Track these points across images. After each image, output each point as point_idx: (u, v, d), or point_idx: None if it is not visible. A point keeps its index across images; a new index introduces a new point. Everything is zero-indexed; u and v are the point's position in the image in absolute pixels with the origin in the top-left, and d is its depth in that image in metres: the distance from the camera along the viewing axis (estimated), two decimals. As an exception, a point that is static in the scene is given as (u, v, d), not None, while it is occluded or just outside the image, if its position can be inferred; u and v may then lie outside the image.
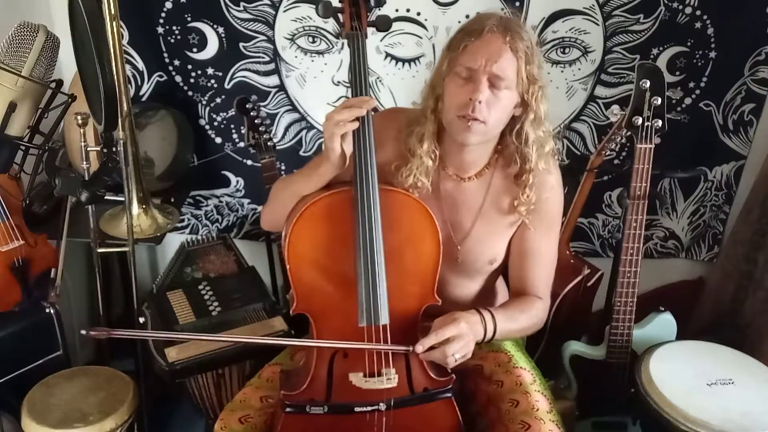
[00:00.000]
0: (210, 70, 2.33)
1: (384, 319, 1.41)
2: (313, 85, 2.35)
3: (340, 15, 1.47)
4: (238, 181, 2.51)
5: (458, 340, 1.41)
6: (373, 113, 1.43)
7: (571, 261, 2.28)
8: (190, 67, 2.32)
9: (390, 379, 1.47)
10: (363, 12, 1.45)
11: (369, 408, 1.47)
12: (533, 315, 1.59)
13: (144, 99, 2.37)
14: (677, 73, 2.28)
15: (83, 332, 1.31)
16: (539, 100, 1.47)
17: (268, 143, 2.21)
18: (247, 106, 2.19)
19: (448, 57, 1.47)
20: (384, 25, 1.50)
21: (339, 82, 2.35)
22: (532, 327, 1.61)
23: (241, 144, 2.42)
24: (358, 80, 1.41)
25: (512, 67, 1.42)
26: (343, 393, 1.48)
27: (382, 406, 1.48)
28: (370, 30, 1.46)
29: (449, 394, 1.52)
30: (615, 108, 1.96)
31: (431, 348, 1.41)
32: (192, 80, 2.34)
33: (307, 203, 1.44)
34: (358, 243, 1.39)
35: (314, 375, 1.47)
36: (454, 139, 1.51)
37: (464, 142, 1.49)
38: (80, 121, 1.79)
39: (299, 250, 1.45)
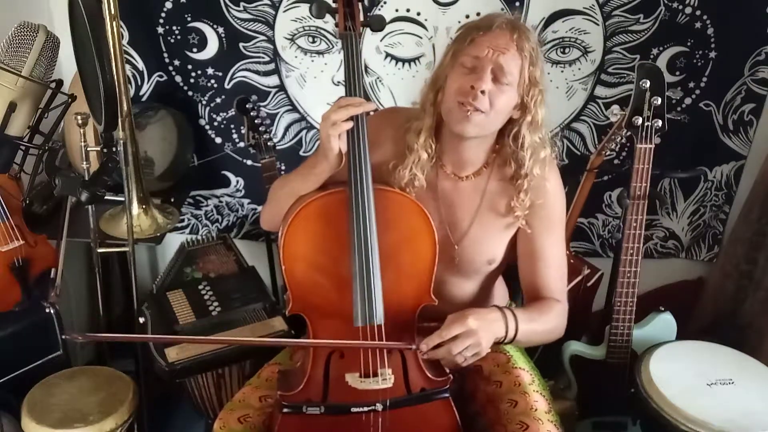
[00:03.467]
0: (210, 70, 2.33)
1: (379, 319, 1.42)
2: (313, 85, 2.35)
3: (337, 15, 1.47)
4: (238, 181, 2.52)
5: (465, 338, 1.38)
6: (371, 113, 1.43)
7: (571, 261, 2.26)
8: (190, 67, 2.32)
9: (386, 380, 1.46)
10: (356, 12, 1.44)
11: (365, 408, 1.47)
12: (553, 317, 1.56)
13: (144, 99, 2.37)
14: (677, 73, 2.28)
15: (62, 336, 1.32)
16: (538, 104, 1.47)
17: (268, 143, 2.21)
18: (247, 106, 2.19)
19: (453, 49, 1.48)
20: (378, 25, 1.50)
21: (339, 82, 2.35)
22: (554, 330, 1.57)
23: (241, 144, 2.42)
24: (352, 80, 1.42)
25: (516, 64, 1.43)
26: (340, 393, 1.48)
27: (379, 407, 1.47)
28: (367, 30, 1.46)
29: (446, 395, 1.52)
30: (615, 108, 1.96)
31: (438, 346, 1.40)
32: (192, 80, 2.34)
33: (301, 204, 1.44)
34: (352, 243, 1.39)
35: (311, 375, 1.47)
36: (452, 129, 1.48)
37: (462, 132, 1.46)
38: (80, 121, 1.79)
39: (294, 251, 1.45)
